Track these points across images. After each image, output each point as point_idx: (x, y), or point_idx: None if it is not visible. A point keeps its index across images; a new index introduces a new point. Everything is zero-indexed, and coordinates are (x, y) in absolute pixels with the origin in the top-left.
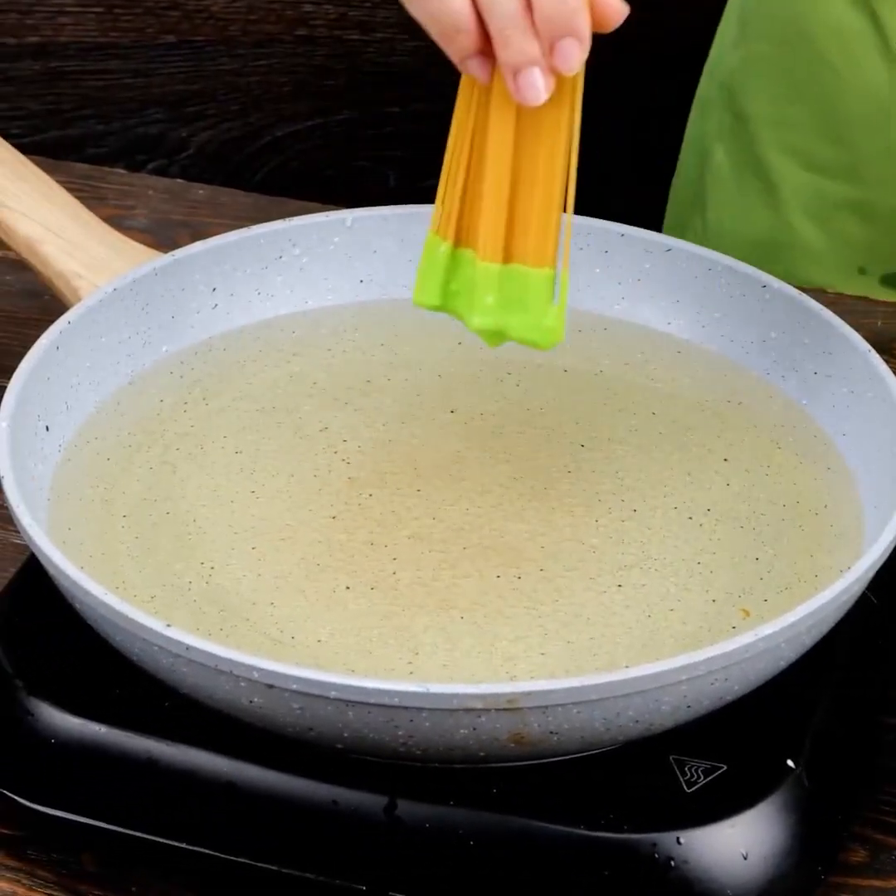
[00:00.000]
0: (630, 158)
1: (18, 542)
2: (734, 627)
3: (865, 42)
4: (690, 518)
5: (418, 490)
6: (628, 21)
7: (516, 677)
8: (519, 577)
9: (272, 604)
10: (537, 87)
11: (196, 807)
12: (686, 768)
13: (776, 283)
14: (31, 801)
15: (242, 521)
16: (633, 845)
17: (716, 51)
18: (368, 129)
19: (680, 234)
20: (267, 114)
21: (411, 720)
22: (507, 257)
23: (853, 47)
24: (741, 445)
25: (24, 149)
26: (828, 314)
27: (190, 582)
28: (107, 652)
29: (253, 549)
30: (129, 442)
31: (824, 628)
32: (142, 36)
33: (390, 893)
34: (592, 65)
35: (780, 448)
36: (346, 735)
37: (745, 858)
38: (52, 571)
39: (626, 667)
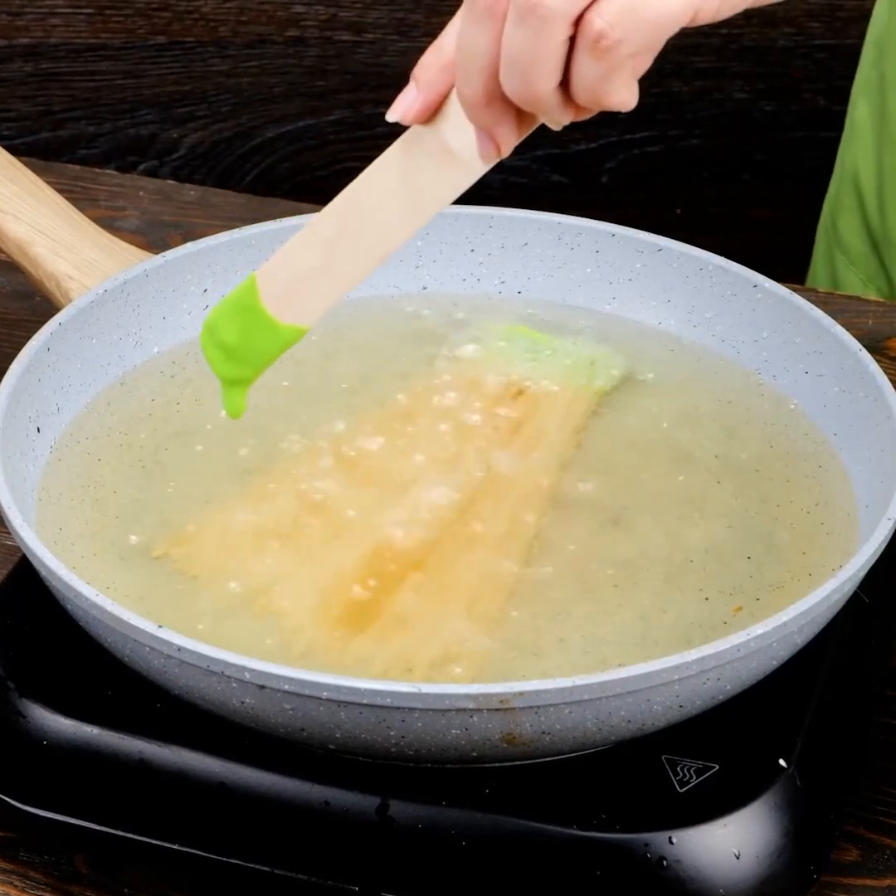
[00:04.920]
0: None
1: (10, 543)
2: (726, 624)
3: None
4: (682, 516)
5: (411, 489)
6: None
7: (508, 677)
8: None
9: (265, 603)
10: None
11: (188, 808)
12: (678, 768)
13: (767, 282)
14: (23, 802)
15: (235, 523)
16: (625, 845)
17: (877, 6)
18: (359, 130)
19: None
20: (258, 115)
21: (403, 720)
22: None
23: None
24: (732, 444)
25: (15, 150)
26: (819, 313)
27: (182, 583)
28: (98, 653)
29: (245, 549)
30: (121, 442)
31: (816, 628)
32: (132, 37)
33: (383, 894)
34: None
35: (771, 447)
36: (338, 735)
37: (738, 858)
38: (43, 573)
39: (619, 666)
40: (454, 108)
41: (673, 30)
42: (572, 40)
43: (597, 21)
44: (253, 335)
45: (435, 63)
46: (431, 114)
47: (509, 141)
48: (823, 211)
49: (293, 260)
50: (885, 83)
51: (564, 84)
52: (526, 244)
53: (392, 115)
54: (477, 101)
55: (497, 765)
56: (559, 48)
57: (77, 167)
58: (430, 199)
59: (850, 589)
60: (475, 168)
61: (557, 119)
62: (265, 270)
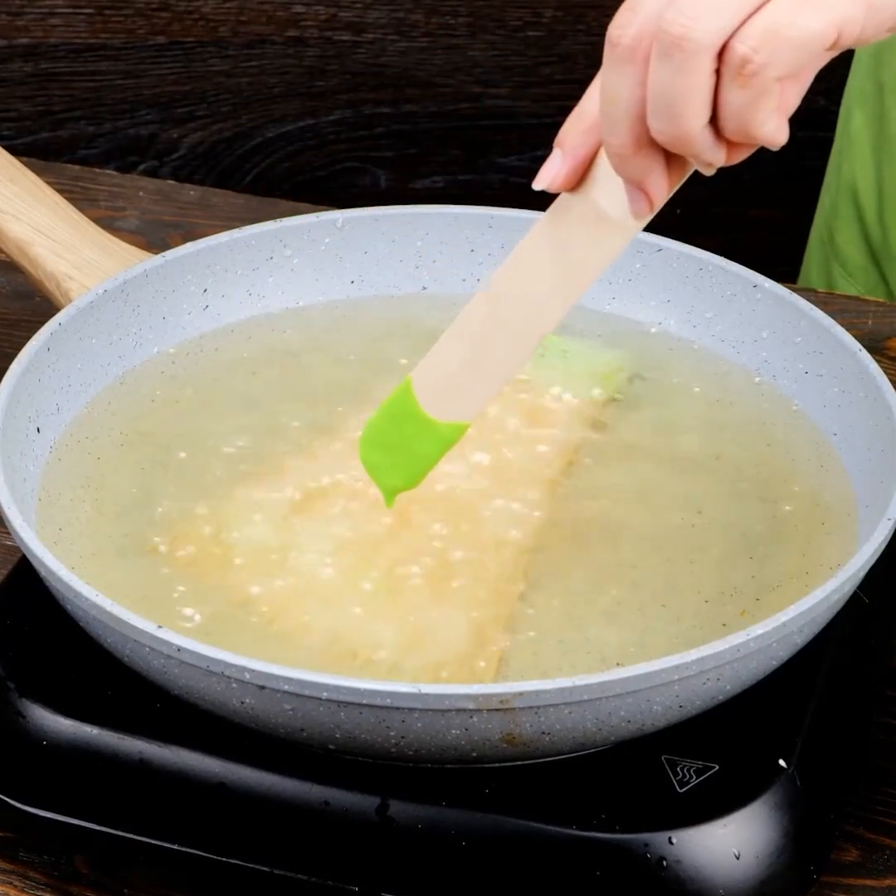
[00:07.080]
0: None
1: (10, 543)
2: (725, 625)
3: None
4: (682, 517)
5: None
6: None
7: (508, 677)
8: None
9: (265, 604)
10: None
11: (188, 808)
12: (678, 768)
13: (767, 282)
14: (22, 802)
15: (234, 522)
16: (625, 845)
17: None
18: (359, 130)
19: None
20: (257, 115)
21: (403, 721)
22: None
23: None
24: (732, 444)
25: (15, 150)
26: (819, 314)
27: (182, 582)
28: (98, 653)
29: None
30: (121, 442)
31: (816, 628)
32: (132, 37)
33: (382, 894)
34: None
35: (771, 447)
36: (337, 736)
37: (738, 858)
38: (43, 573)
39: (618, 667)
40: (602, 169)
41: (817, 51)
42: (717, 75)
43: (739, 47)
44: (413, 440)
45: (577, 127)
46: (578, 179)
47: (661, 192)
48: (817, 222)
49: (447, 356)
50: (883, 93)
51: (713, 122)
52: None
53: (539, 184)
54: (625, 151)
55: (497, 765)
56: (706, 81)
57: (77, 167)
58: (584, 269)
59: (849, 589)
60: (629, 228)
61: (709, 158)
62: (419, 371)
